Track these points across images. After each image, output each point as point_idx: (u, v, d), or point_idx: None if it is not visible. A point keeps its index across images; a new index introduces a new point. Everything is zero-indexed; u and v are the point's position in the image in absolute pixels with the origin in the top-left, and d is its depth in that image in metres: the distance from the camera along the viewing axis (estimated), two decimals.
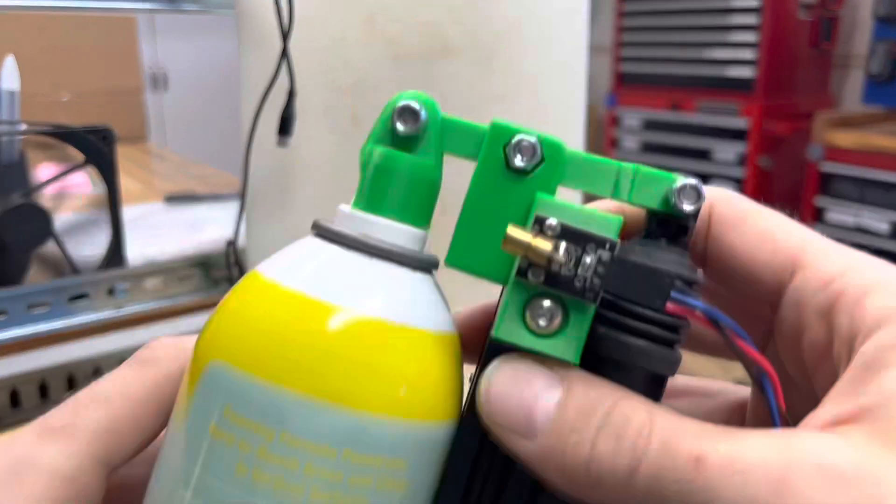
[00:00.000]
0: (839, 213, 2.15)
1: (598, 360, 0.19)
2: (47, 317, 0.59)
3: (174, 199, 1.03)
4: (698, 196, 0.20)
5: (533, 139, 0.20)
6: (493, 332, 0.19)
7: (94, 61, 1.73)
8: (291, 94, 0.53)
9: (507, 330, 0.19)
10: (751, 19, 2.41)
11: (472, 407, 0.20)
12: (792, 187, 2.49)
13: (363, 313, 0.18)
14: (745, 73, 2.44)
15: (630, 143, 2.78)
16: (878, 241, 2.02)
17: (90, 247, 0.66)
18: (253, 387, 0.18)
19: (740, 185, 2.44)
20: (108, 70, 1.78)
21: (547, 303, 0.19)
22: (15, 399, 0.62)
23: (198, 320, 0.71)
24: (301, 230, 0.59)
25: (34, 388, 0.63)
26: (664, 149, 2.70)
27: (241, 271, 0.61)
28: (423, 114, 0.20)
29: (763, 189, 2.44)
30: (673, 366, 0.19)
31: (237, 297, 0.20)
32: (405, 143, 0.21)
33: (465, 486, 0.20)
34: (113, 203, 0.61)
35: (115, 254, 0.62)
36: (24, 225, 0.59)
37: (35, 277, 0.67)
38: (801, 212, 2.26)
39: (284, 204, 0.56)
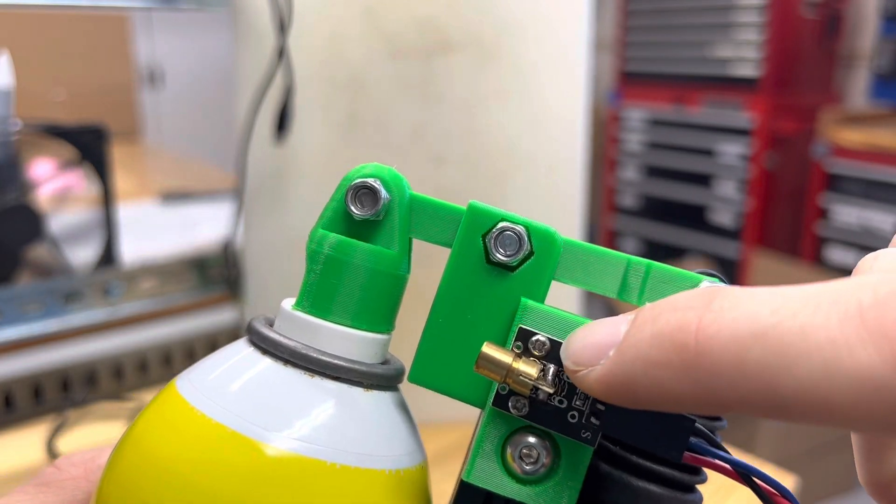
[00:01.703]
0: (845, 212, 2.14)
1: None
2: (41, 317, 0.58)
3: (169, 197, 1.03)
4: None
5: (519, 228, 0.16)
6: (464, 475, 0.15)
7: (88, 59, 1.73)
8: (290, 91, 0.52)
9: (483, 473, 0.15)
10: (756, 16, 2.40)
11: None
12: (797, 186, 2.48)
13: (295, 452, 0.14)
14: (750, 70, 2.43)
15: (633, 141, 2.77)
16: (884, 242, 2.00)
17: (84, 246, 0.65)
18: None
19: (745, 184, 2.43)
20: (101, 68, 1.78)
21: (532, 439, 0.15)
22: (8, 401, 0.62)
23: (193, 321, 0.70)
24: (298, 228, 0.58)
25: (28, 389, 0.62)
26: (668, 147, 2.68)
27: (238, 270, 0.60)
28: (383, 194, 0.16)
29: (768, 187, 2.42)
30: None
31: (147, 421, 0.16)
32: (363, 228, 0.17)
33: None
34: (108, 201, 0.61)
35: (109, 253, 0.61)
36: (17, 224, 0.59)
37: (29, 277, 0.66)
38: (806, 211, 2.25)
39: (281, 202, 0.55)
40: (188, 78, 3.06)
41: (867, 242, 2.05)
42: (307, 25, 0.52)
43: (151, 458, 0.15)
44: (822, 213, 2.21)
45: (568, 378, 0.15)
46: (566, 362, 0.15)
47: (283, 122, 0.53)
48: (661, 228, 2.73)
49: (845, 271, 2.11)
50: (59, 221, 0.62)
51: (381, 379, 0.16)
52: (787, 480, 0.51)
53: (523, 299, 0.16)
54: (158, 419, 0.16)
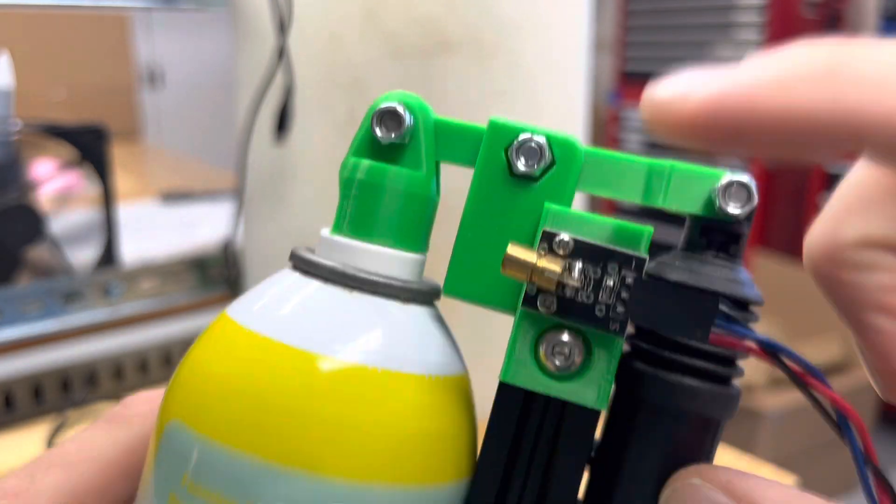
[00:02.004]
0: None
1: (635, 403, 0.16)
2: (41, 317, 0.58)
3: (170, 197, 1.03)
4: (749, 196, 0.16)
5: (540, 139, 0.17)
6: (501, 375, 0.16)
7: (88, 59, 1.73)
8: (290, 91, 0.52)
9: (518, 372, 0.16)
10: (755, 17, 2.40)
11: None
12: (796, 186, 2.48)
13: (342, 360, 0.15)
14: None
15: (633, 141, 2.77)
16: None
17: (84, 246, 0.65)
18: (213, 452, 0.15)
19: None
20: (101, 67, 1.78)
21: (563, 336, 0.16)
22: (8, 400, 0.62)
23: (193, 321, 0.70)
24: (299, 228, 0.58)
25: (28, 389, 0.63)
26: (667, 147, 2.68)
27: (238, 271, 0.60)
28: (407, 118, 0.17)
29: (767, 188, 2.42)
30: (730, 408, 0.16)
31: (201, 344, 0.17)
32: (390, 153, 0.17)
33: None
34: (108, 201, 0.61)
35: (109, 253, 0.61)
36: (17, 224, 0.59)
37: (29, 277, 0.66)
38: (805, 211, 2.25)
39: (282, 202, 0.55)
40: (188, 78, 3.06)
41: None
42: (307, 25, 0.52)
43: (210, 376, 0.16)
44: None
45: (594, 273, 0.15)
46: (649, 105, 0.15)
47: (283, 122, 0.53)
48: (662, 228, 2.73)
49: None
50: (59, 221, 0.62)
51: (418, 294, 0.17)
52: (787, 480, 0.51)
53: (546, 203, 0.17)
54: (215, 343, 0.17)
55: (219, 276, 0.64)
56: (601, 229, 0.16)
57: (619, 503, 0.17)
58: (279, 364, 0.15)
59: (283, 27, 0.51)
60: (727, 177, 0.17)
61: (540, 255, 0.16)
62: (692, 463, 0.16)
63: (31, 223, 0.59)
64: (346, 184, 0.18)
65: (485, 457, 0.17)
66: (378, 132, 0.17)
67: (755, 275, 2.31)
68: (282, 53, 0.51)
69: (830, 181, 2.16)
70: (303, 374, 0.15)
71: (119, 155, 0.63)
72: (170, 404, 0.16)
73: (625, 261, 0.15)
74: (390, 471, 0.15)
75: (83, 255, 0.65)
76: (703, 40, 2.59)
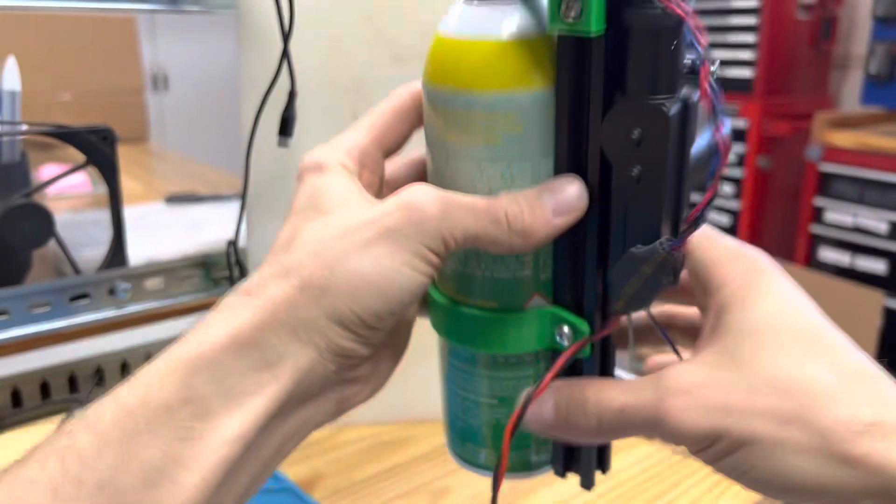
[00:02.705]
0: (838, 213, 2.15)
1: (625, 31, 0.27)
2: (48, 316, 0.59)
3: (175, 199, 1.04)
4: None
5: None
6: (548, 29, 0.28)
7: (95, 61, 1.73)
8: (292, 95, 0.53)
9: (556, 24, 0.27)
10: (750, 20, 2.41)
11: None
12: (791, 187, 2.49)
13: (479, 38, 0.29)
14: (744, 73, 2.44)
15: None
16: (877, 241, 2.02)
17: (91, 247, 0.66)
18: (434, 88, 0.30)
19: (739, 185, 2.45)
20: (108, 70, 1.78)
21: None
22: (16, 398, 0.63)
23: (198, 320, 0.71)
24: None
25: (35, 387, 0.64)
26: None
27: (242, 271, 0.61)
28: None
29: (762, 189, 2.44)
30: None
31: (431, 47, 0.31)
32: None
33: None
34: (114, 203, 0.62)
35: (116, 254, 0.62)
36: (25, 225, 0.60)
37: (36, 277, 0.67)
38: (800, 212, 2.26)
39: (285, 204, 0.56)
40: (191, 81, 3.07)
41: (860, 242, 2.07)
42: (310, 30, 0.53)
43: (428, 58, 0.30)
44: (816, 214, 2.23)
45: None
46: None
47: (286, 125, 0.54)
48: None
49: (838, 271, 2.13)
50: (66, 222, 0.63)
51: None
52: None
53: None
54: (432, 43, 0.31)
55: (223, 276, 0.65)
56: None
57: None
58: (456, 46, 0.29)
59: (286, 32, 0.52)
60: None
61: None
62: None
63: (38, 224, 0.60)
64: None
65: (559, 72, 0.29)
66: None
67: None
68: (284, 58, 0.52)
69: (823, 183, 2.18)
70: (469, 47, 0.29)
71: (125, 157, 0.64)
72: (423, 74, 0.31)
73: None
74: (503, 82, 0.29)
75: (90, 256, 0.65)
76: None
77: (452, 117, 0.30)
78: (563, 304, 0.31)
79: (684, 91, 0.28)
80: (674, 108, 0.27)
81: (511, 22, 0.29)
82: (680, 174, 0.28)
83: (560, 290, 0.31)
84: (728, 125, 0.26)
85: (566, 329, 0.31)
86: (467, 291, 0.32)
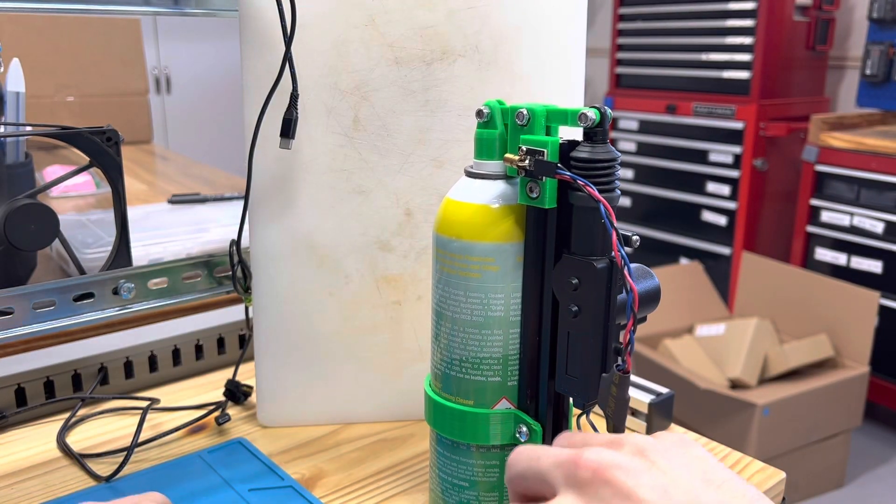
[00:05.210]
0: (834, 214, 2.16)
1: (567, 206, 0.39)
2: (53, 316, 0.59)
3: (178, 199, 1.04)
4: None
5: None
6: (519, 200, 0.41)
7: (99, 63, 1.74)
8: (294, 97, 0.54)
9: (523, 196, 0.40)
10: (746, 22, 2.42)
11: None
12: (787, 188, 2.50)
13: (472, 202, 0.41)
14: (740, 75, 2.45)
15: (626, 145, 2.80)
16: (873, 242, 2.03)
17: (95, 247, 0.66)
18: (439, 236, 0.42)
19: (736, 186, 2.46)
20: (112, 72, 1.78)
21: (533, 185, 0.39)
22: (21, 396, 0.63)
23: (201, 319, 0.72)
24: (303, 230, 0.60)
25: (39, 385, 0.64)
26: (660, 150, 2.71)
27: (245, 271, 0.62)
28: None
29: (758, 190, 2.45)
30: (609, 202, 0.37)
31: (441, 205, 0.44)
32: (488, 125, 0.42)
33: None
34: (119, 204, 0.62)
35: (120, 254, 0.63)
36: (30, 225, 0.60)
37: (40, 277, 0.68)
38: (796, 213, 2.27)
39: (287, 204, 0.57)
40: (195, 83, 3.07)
41: (856, 243, 2.08)
42: (312, 33, 0.54)
43: (439, 214, 0.43)
44: (812, 215, 2.24)
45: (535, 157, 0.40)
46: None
47: (288, 127, 0.55)
48: (655, 229, 2.75)
49: (834, 271, 2.13)
50: (71, 223, 0.64)
51: (497, 175, 0.42)
52: (776, 477, 0.53)
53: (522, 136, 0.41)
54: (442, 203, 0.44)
55: (226, 275, 0.66)
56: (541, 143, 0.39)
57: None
58: (455, 206, 0.42)
59: (288, 35, 0.53)
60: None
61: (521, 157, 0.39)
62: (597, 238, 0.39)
63: (43, 224, 0.61)
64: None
65: (527, 233, 0.41)
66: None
67: (745, 276, 2.32)
68: (287, 60, 0.53)
69: (820, 183, 2.19)
70: (463, 208, 0.41)
71: (129, 158, 0.64)
72: (434, 226, 0.43)
73: (540, 153, 0.38)
74: (487, 236, 0.40)
75: (94, 256, 0.66)
76: (694, 45, 2.61)
77: (450, 256, 0.41)
78: (523, 409, 0.42)
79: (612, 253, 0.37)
80: (601, 264, 0.37)
81: (496, 193, 0.41)
82: (607, 312, 0.37)
83: (521, 397, 0.42)
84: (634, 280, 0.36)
85: (524, 428, 0.41)
86: (449, 390, 0.43)
